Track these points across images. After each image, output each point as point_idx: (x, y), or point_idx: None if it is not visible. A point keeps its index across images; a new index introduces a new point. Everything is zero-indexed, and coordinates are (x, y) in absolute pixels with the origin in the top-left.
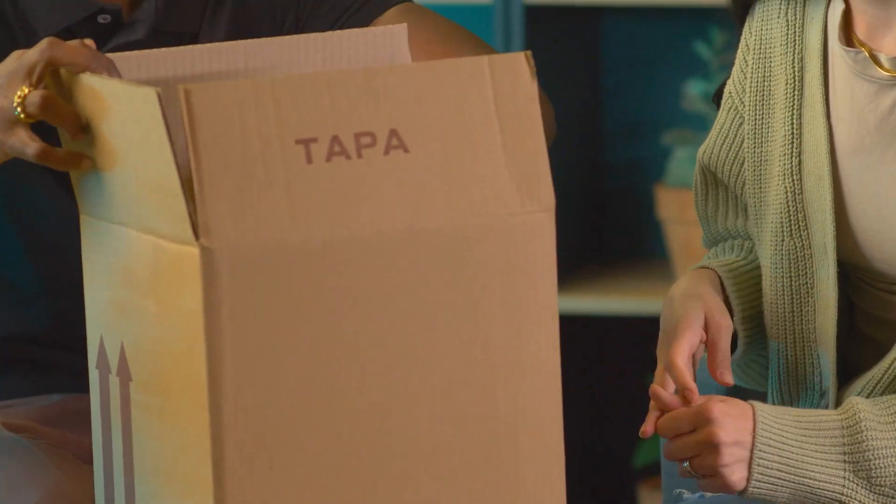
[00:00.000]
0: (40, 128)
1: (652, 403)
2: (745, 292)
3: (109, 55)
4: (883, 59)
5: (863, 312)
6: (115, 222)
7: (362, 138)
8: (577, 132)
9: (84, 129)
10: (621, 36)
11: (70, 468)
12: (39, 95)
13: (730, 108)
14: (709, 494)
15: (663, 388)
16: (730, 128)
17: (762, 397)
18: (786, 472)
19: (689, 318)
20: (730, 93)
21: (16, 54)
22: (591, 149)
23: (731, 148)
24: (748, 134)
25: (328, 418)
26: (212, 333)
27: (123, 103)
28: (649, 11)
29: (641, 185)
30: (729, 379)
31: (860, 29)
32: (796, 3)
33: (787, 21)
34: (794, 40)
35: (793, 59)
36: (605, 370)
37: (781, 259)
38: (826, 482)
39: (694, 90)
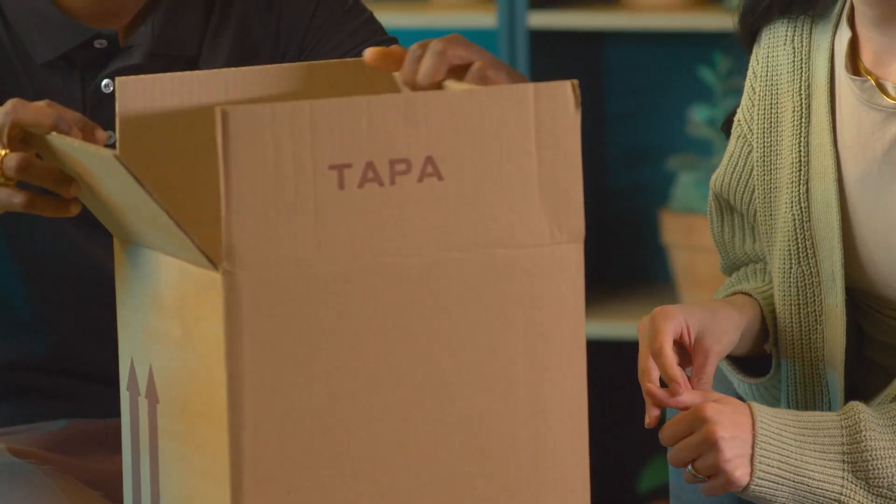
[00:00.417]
0: None
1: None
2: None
3: (120, 78)
4: (889, 87)
5: (872, 339)
6: (144, 246)
7: (397, 165)
8: (582, 157)
9: (70, 181)
10: (625, 61)
11: (76, 493)
12: (15, 159)
13: (739, 137)
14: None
15: (649, 375)
16: (739, 156)
17: None
18: (785, 471)
19: (671, 311)
20: (739, 121)
21: None
22: (596, 174)
23: (741, 176)
24: (757, 162)
25: (346, 447)
26: (233, 358)
27: (92, 164)
28: (653, 37)
29: (645, 210)
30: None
31: (867, 57)
32: (802, 30)
33: (794, 48)
34: (801, 67)
35: (800, 87)
36: (610, 395)
37: (790, 286)
38: (825, 482)
39: (698, 115)
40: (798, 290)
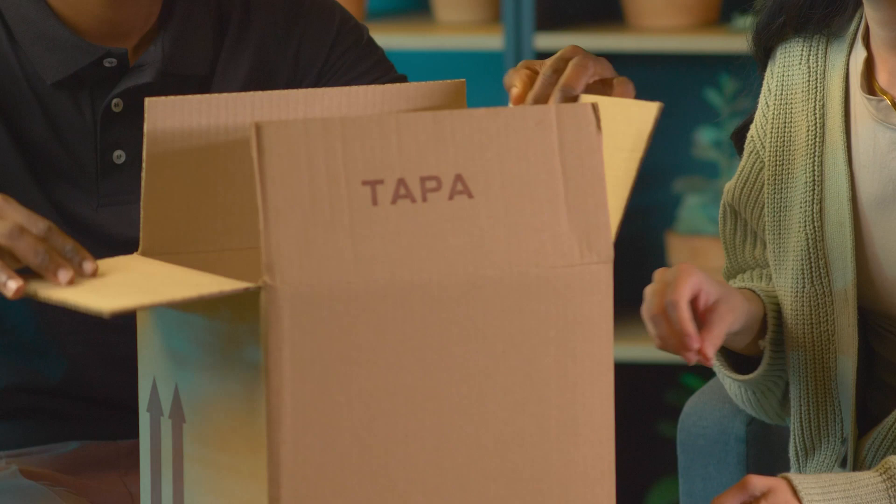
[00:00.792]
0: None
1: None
2: (779, 317)
3: (150, 99)
4: None
5: (883, 360)
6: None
7: (428, 182)
8: None
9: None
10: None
11: None
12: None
13: (751, 153)
14: None
15: (660, 325)
16: (750, 171)
17: (780, 439)
18: None
19: (695, 270)
20: (752, 137)
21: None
22: None
23: (751, 192)
24: (768, 179)
25: (383, 465)
26: (273, 373)
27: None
28: (659, 59)
29: (652, 232)
30: (711, 354)
31: (882, 77)
32: (818, 49)
33: (809, 67)
34: (816, 87)
35: (814, 106)
36: (616, 416)
37: (802, 306)
38: None
39: (705, 138)
40: (811, 310)
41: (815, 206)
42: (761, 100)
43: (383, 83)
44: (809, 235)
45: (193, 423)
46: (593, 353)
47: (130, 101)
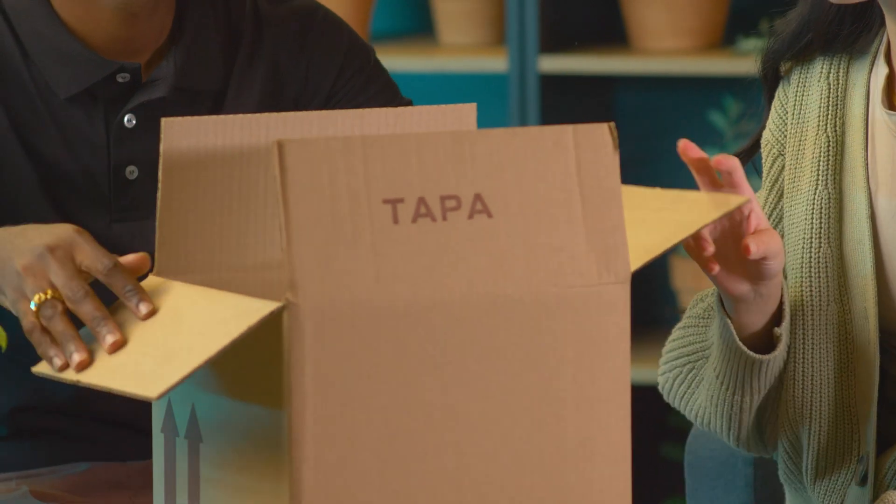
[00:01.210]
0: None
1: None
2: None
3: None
4: None
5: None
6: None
7: (447, 201)
8: None
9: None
10: (636, 105)
11: None
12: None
13: (776, 157)
14: None
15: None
16: (777, 177)
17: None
18: None
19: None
20: (767, 141)
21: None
22: None
23: (779, 200)
24: (786, 189)
25: (403, 483)
26: (296, 391)
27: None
28: (664, 81)
29: None
30: (754, 248)
31: None
32: (839, 68)
33: (829, 84)
34: (836, 104)
35: (834, 124)
36: None
37: (826, 324)
38: None
39: None
40: (833, 327)
41: (833, 223)
42: (775, 111)
43: (392, 107)
44: (828, 254)
45: (211, 443)
46: (610, 372)
47: (143, 116)
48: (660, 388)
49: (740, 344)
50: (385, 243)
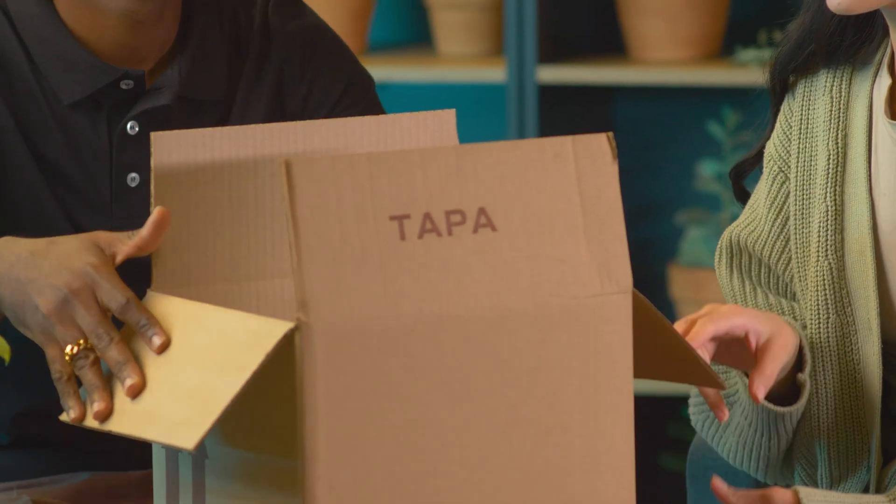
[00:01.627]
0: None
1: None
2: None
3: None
4: None
5: None
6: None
7: (452, 216)
8: None
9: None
10: (634, 116)
11: None
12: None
13: (776, 175)
14: None
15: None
16: (777, 194)
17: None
18: None
19: (743, 311)
20: (772, 158)
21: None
22: None
23: (778, 216)
24: (792, 206)
25: (414, 500)
26: (308, 410)
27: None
28: (662, 91)
29: (654, 264)
30: (761, 396)
31: None
32: (842, 79)
33: (832, 97)
34: (839, 116)
35: (836, 135)
36: None
37: (828, 336)
38: None
39: (707, 170)
40: (836, 339)
41: (836, 235)
42: (780, 127)
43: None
44: (833, 264)
45: (216, 456)
46: (614, 382)
47: (146, 123)
48: (692, 423)
49: (764, 402)
50: (392, 260)
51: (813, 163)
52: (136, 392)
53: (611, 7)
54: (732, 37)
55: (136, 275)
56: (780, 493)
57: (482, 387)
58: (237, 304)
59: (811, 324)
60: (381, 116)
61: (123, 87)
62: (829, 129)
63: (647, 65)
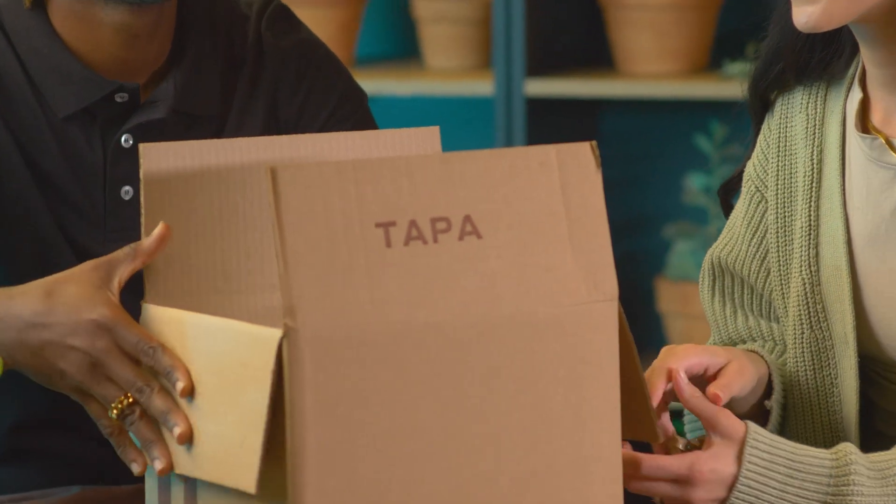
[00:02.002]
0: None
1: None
2: (785, 378)
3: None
4: None
5: (881, 410)
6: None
7: (438, 223)
8: None
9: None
10: (621, 129)
11: None
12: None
13: (753, 196)
14: None
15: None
16: (753, 215)
17: None
18: None
19: (699, 349)
20: (751, 178)
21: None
22: None
23: (754, 236)
24: (772, 225)
25: None
26: (296, 416)
27: None
28: (649, 104)
29: (641, 278)
30: (721, 397)
31: (876, 117)
32: (817, 96)
33: (808, 115)
34: (815, 133)
35: (812, 152)
36: None
37: (804, 351)
38: None
39: (694, 183)
40: (812, 355)
41: (811, 250)
42: (759, 146)
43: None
44: (807, 280)
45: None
46: (601, 391)
47: (141, 137)
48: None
49: None
50: (379, 267)
51: (793, 180)
52: (185, 440)
53: (598, 20)
54: (720, 50)
55: (128, 286)
56: (728, 423)
57: (469, 394)
58: (229, 317)
59: (790, 339)
60: (366, 132)
61: (118, 100)
62: (806, 146)
63: (634, 78)
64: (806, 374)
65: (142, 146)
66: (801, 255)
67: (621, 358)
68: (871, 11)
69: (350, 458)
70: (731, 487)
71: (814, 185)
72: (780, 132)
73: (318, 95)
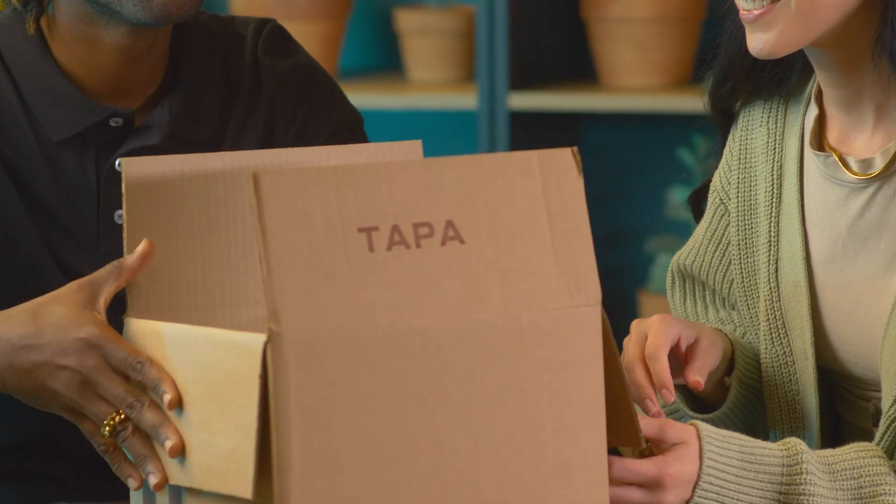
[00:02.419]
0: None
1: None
2: (747, 356)
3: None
4: (852, 162)
5: (851, 426)
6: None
7: (420, 228)
8: None
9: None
10: (604, 142)
11: None
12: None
13: (717, 208)
14: None
15: (635, 371)
16: (717, 226)
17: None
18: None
19: (672, 320)
20: (715, 190)
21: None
22: None
23: (717, 247)
24: (734, 237)
25: None
26: (281, 419)
27: None
28: (632, 118)
29: (624, 291)
30: (699, 380)
31: (832, 134)
32: (777, 111)
33: (768, 129)
34: (775, 147)
35: (772, 167)
36: None
37: (769, 366)
38: None
39: (677, 197)
40: (775, 370)
41: (771, 266)
42: (724, 159)
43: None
44: (766, 296)
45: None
46: (585, 395)
47: None
48: None
49: (691, 414)
50: (361, 272)
51: (753, 193)
52: (177, 453)
53: (581, 34)
54: (703, 64)
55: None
56: (676, 430)
57: (454, 399)
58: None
59: (761, 354)
60: (349, 146)
61: (112, 124)
62: (767, 161)
63: (617, 92)
64: (774, 389)
65: (123, 161)
66: (766, 272)
67: (605, 363)
68: (824, 36)
69: (335, 461)
70: (696, 486)
71: (774, 200)
72: (741, 145)
73: (316, 121)
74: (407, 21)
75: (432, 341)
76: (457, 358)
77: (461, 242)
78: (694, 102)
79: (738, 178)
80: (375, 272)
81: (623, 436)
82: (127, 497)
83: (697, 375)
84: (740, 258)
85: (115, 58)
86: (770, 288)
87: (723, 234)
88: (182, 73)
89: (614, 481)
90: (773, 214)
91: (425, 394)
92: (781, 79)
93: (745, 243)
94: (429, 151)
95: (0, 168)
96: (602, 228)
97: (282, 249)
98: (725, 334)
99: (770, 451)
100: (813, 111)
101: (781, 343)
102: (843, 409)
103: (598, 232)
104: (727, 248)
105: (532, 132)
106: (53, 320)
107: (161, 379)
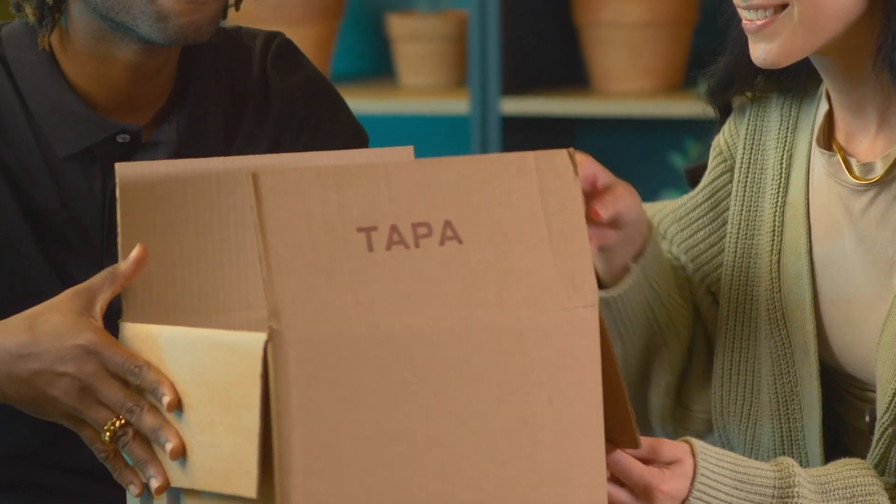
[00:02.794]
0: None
1: None
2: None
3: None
4: (854, 164)
5: (849, 427)
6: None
7: (419, 228)
8: None
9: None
10: (596, 147)
11: None
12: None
13: (721, 161)
14: None
15: None
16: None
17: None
18: None
19: (590, 160)
20: (718, 147)
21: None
22: None
23: (711, 225)
24: (734, 217)
25: None
26: (282, 418)
27: None
28: (624, 123)
29: None
30: (601, 214)
31: (840, 133)
32: (792, 100)
33: (782, 115)
34: (787, 137)
35: (782, 156)
36: None
37: (766, 355)
38: None
39: None
40: (773, 360)
41: (774, 256)
42: (731, 122)
43: None
44: (767, 286)
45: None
46: (583, 396)
47: None
48: None
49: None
50: (361, 271)
51: (762, 176)
52: (177, 455)
53: (573, 39)
54: (695, 68)
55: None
56: (670, 446)
57: (453, 398)
58: None
59: (752, 343)
60: (341, 151)
61: (120, 140)
62: (777, 147)
63: (609, 96)
64: (768, 381)
65: (117, 165)
66: (768, 260)
67: (601, 364)
68: (827, 45)
69: (336, 460)
70: (685, 503)
71: (780, 189)
72: (754, 122)
73: (323, 137)
74: (399, 26)
75: (430, 341)
76: (454, 358)
77: (459, 242)
78: (686, 107)
79: (747, 153)
80: (374, 272)
81: (620, 436)
82: (121, 501)
83: (600, 208)
84: (736, 242)
85: (125, 74)
86: (772, 278)
87: (723, 187)
88: (189, 87)
89: (609, 473)
90: (778, 205)
91: (424, 393)
92: (789, 84)
93: (747, 224)
94: (421, 157)
95: (3, 181)
96: None
97: (282, 249)
98: (654, 227)
99: (763, 472)
100: (824, 106)
101: (780, 334)
102: (841, 409)
103: None
104: (719, 205)
105: (524, 137)
106: (50, 328)
107: (159, 382)
